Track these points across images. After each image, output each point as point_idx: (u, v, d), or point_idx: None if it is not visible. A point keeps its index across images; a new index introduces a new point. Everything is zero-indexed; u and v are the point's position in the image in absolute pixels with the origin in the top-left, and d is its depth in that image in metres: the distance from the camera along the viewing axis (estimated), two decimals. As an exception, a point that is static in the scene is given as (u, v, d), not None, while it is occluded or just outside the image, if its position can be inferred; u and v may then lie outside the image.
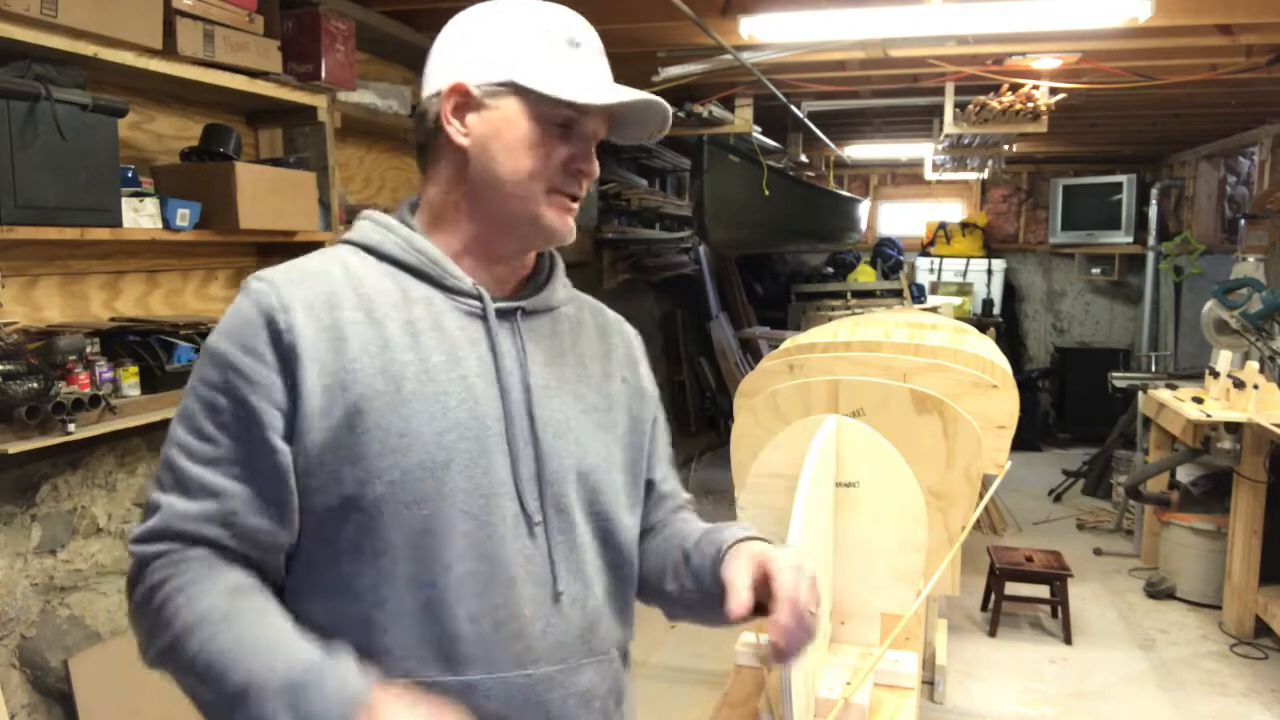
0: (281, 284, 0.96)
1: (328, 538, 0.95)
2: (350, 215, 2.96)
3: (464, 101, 1.01)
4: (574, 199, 1.05)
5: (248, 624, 0.89)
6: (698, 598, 1.09)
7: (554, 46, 1.01)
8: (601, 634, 1.06)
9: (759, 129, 5.11)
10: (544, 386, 1.04)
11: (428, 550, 0.95)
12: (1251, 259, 5.08)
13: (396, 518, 0.94)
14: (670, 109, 1.06)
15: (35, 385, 1.97)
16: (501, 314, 1.04)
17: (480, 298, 1.03)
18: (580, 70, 1.02)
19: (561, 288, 1.13)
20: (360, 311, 0.97)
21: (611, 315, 1.21)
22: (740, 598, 0.98)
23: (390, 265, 1.02)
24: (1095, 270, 8.22)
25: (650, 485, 1.18)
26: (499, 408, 1.00)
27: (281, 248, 2.69)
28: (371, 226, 1.05)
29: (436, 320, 1.00)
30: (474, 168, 1.02)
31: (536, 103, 1.00)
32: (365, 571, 0.95)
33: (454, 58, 1.02)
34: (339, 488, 0.94)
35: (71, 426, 2.08)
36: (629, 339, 1.21)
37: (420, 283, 1.01)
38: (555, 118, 1.01)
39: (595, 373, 1.12)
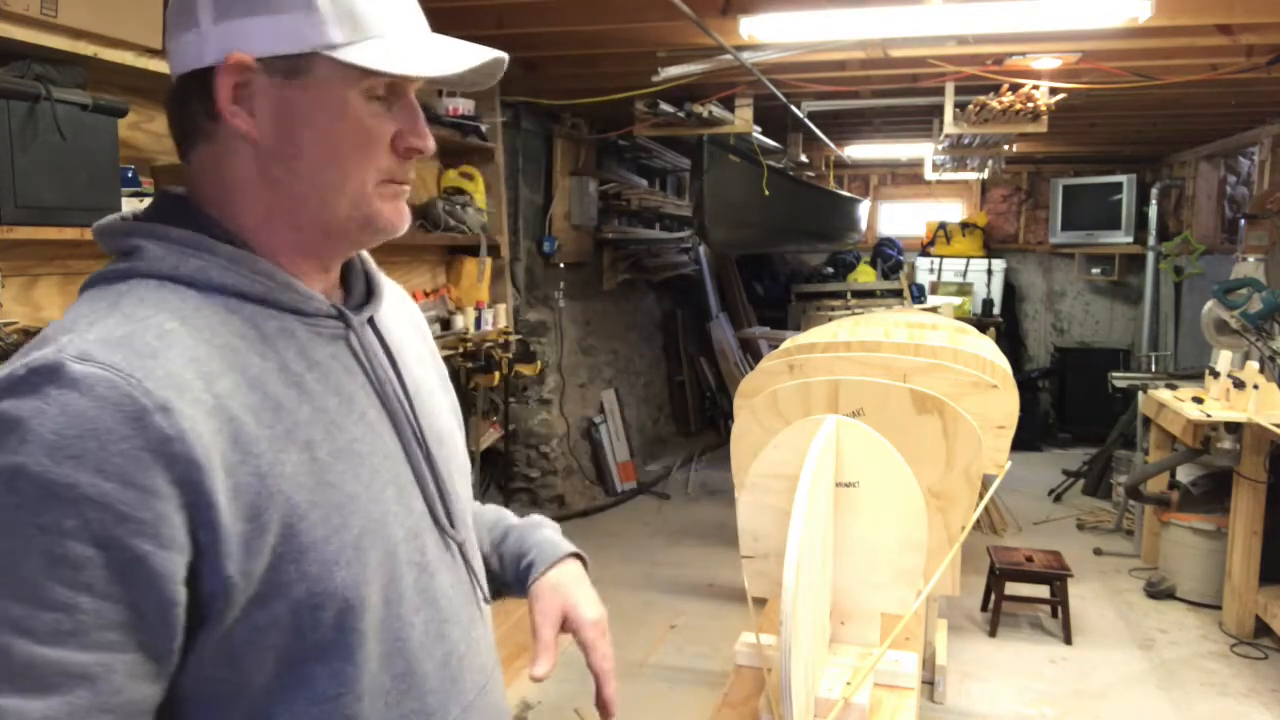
0: (130, 366, 0.69)
1: (267, 660, 0.77)
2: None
3: (246, 80, 0.78)
4: (405, 183, 0.86)
5: None
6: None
7: None
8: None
9: (759, 129, 5.11)
10: (416, 395, 0.92)
11: (394, 614, 0.83)
12: (1251, 259, 5.08)
13: (359, 597, 0.79)
14: (505, 57, 0.87)
15: (35, 385, 1.97)
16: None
17: (341, 317, 0.87)
18: (392, 14, 0.82)
19: (379, 275, 0.97)
20: (234, 374, 0.75)
21: (389, 280, 1.01)
22: (549, 658, 0.98)
23: (225, 297, 0.79)
24: (1095, 270, 8.23)
25: None
26: (395, 437, 0.88)
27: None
28: (175, 252, 0.78)
29: (307, 356, 0.82)
30: (278, 166, 0.81)
31: (351, 74, 0.80)
32: (338, 669, 0.79)
33: (214, 11, 0.77)
34: (284, 598, 0.75)
35: (71, 426, 2.08)
36: (411, 301, 1.08)
37: (269, 312, 0.81)
38: (375, 89, 0.81)
39: (425, 353, 1.02)
